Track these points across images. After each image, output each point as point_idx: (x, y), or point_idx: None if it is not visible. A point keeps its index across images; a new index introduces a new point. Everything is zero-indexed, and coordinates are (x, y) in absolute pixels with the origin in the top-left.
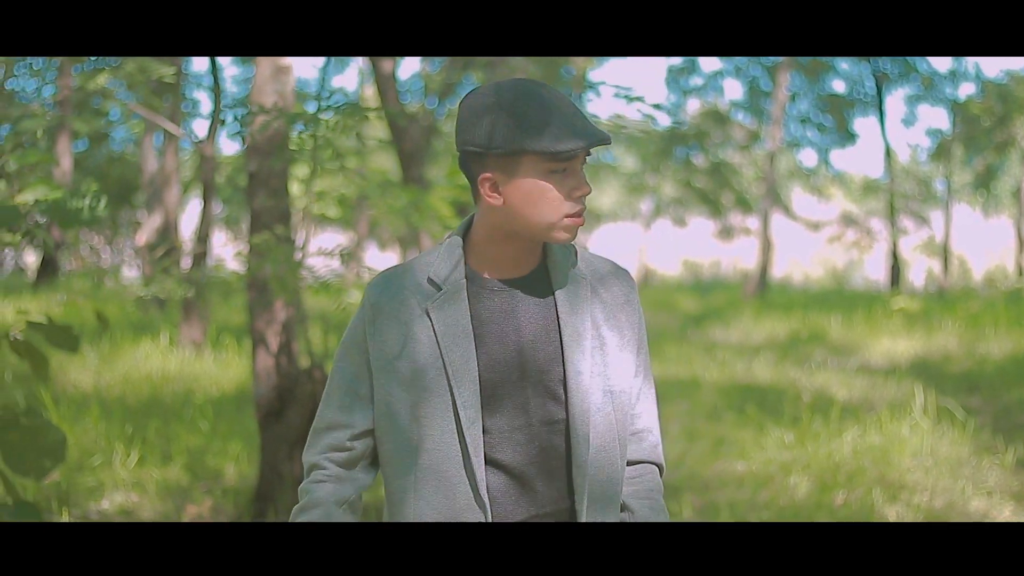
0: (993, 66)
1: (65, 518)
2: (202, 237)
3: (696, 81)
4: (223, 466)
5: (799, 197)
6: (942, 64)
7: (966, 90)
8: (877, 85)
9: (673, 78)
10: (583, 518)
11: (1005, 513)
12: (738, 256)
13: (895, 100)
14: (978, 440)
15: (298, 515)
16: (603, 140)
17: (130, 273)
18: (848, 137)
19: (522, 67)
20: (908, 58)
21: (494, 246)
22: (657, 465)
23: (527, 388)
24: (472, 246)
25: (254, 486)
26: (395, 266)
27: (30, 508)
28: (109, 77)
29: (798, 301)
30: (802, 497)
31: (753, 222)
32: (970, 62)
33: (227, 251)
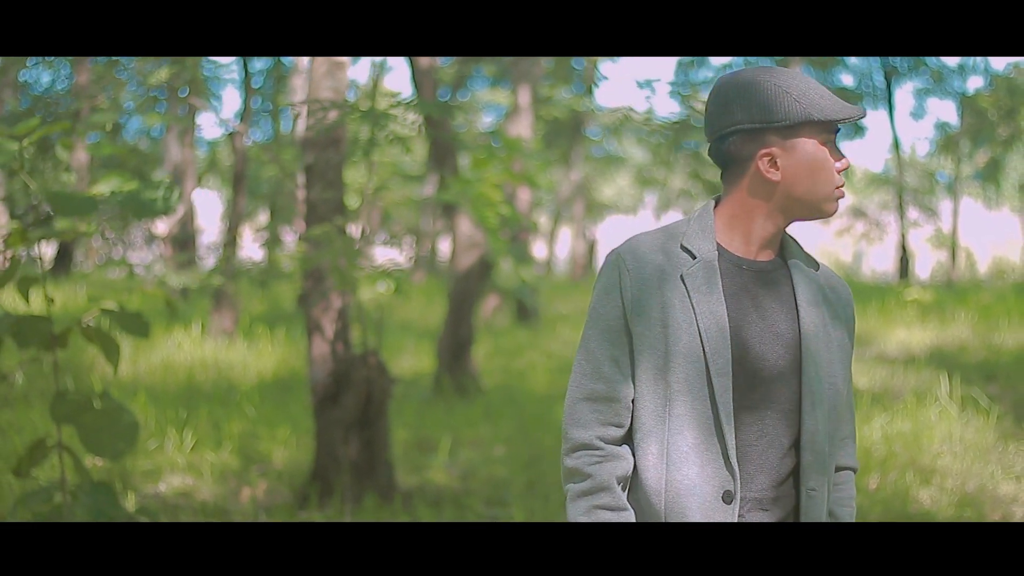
0: (1001, 60)
1: (130, 500)
2: (232, 228)
3: (706, 74)
4: (272, 450)
5: None
6: (951, 58)
7: (975, 83)
8: (886, 79)
9: (682, 71)
10: (804, 502)
11: None
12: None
13: (904, 93)
14: (1001, 427)
15: (583, 497)
16: (863, 113)
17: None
18: (857, 130)
19: (533, 58)
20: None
21: (748, 225)
22: (855, 470)
23: (763, 369)
24: (722, 223)
25: (308, 469)
26: (642, 233)
27: (106, 488)
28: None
29: None
30: None
31: None
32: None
33: (250, 242)
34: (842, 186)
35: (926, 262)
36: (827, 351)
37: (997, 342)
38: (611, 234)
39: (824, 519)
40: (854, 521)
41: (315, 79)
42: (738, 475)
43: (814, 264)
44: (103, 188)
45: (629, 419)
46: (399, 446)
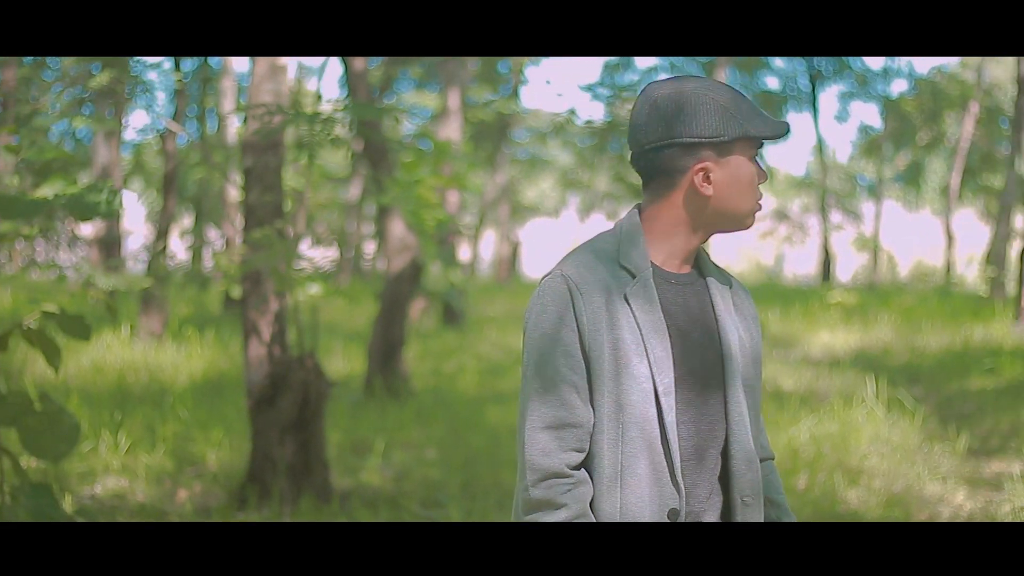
0: (925, 64)
1: (67, 502)
2: (162, 231)
3: (631, 77)
4: (205, 452)
5: None
6: (875, 62)
7: (898, 87)
8: (811, 82)
9: (608, 74)
10: (737, 512)
11: (959, 497)
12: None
13: (828, 97)
14: (927, 428)
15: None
16: (790, 128)
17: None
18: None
19: (461, 61)
20: (842, 57)
21: (672, 240)
22: (773, 458)
23: (696, 380)
24: (650, 238)
25: (243, 471)
26: (576, 254)
27: (46, 490)
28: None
29: None
30: None
31: None
32: (903, 60)
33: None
34: (760, 199)
35: (848, 265)
36: (744, 358)
37: (920, 344)
38: (535, 236)
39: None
40: (787, 506)
41: (255, 82)
42: (683, 491)
43: (725, 274)
44: (46, 191)
45: (589, 443)
46: (332, 448)
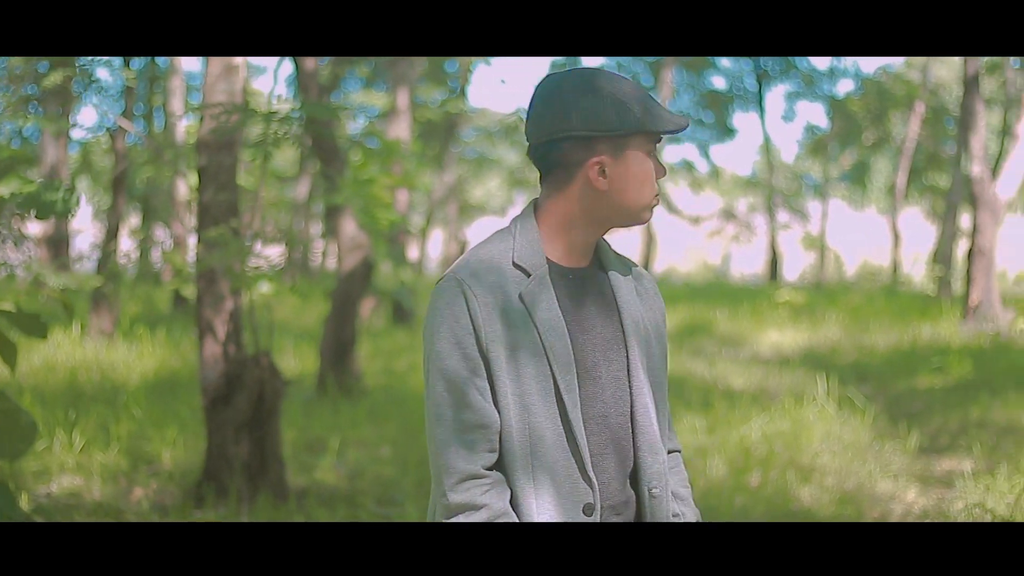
0: (871, 63)
1: (24, 501)
2: (112, 230)
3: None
4: (160, 451)
5: (680, 192)
6: (822, 61)
7: (845, 87)
8: (758, 82)
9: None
10: (646, 503)
11: (910, 495)
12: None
13: (775, 96)
14: (877, 427)
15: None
16: (688, 123)
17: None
18: (727, 132)
19: (410, 61)
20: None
21: (569, 234)
22: (680, 451)
23: (599, 376)
24: (544, 233)
25: (198, 469)
26: (472, 255)
27: (3, 488)
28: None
29: (682, 294)
30: (720, 479)
31: None
32: (849, 59)
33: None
34: (658, 194)
35: (794, 264)
36: (648, 348)
37: (868, 343)
38: (482, 235)
39: (669, 514)
40: (692, 499)
41: (209, 82)
42: (596, 486)
43: (627, 264)
44: (3, 189)
45: (498, 444)
46: (287, 446)
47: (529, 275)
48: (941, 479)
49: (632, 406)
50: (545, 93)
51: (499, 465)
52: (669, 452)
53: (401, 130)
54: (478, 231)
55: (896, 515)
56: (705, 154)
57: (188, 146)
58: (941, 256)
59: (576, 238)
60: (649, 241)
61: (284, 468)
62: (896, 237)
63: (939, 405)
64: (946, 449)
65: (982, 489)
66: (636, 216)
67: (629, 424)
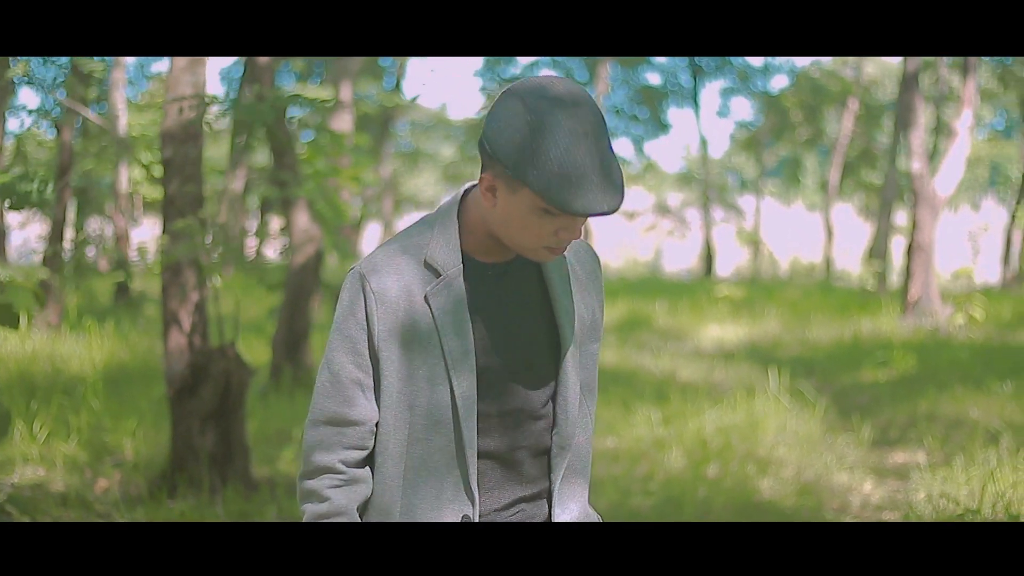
0: (805, 60)
1: None
2: (58, 223)
3: (514, 72)
4: (121, 442)
5: None
6: (756, 58)
7: (779, 83)
8: (693, 77)
9: (489, 68)
10: (555, 495)
11: (867, 487)
12: None
13: (710, 92)
14: (828, 420)
15: (319, 521)
16: (606, 212)
17: None
18: (661, 127)
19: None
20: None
21: (483, 229)
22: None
23: (519, 372)
24: (466, 227)
25: (163, 460)
26: (384, 248)
27: None
28: None
29: (619, 288)
30: (678, 471)
31: None
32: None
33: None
34: (556, 248)
35: (727, 259)
36: (581, 336)
37: (810, 338)
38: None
39: (572, 508)
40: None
41: (174, 74)
42: (477, 500)
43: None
44: None
45: (372, 442)
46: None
47: (439, 275)
48: (895, 471)
49: (555, 404)
50: (510, 92)
51: (373, 461)
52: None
53: (344, 123)
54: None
55: (854, 506)
56: (639, 150)
57: (131, 138)
58: (877, 252)
59: (489, 236)
60: (585, 235)
61: (249, 459)
62: (829, 233)
63: (886, 399)
64: (897, 442)
65: (940, 480)
66: (521, 251)
67: (549, 422)
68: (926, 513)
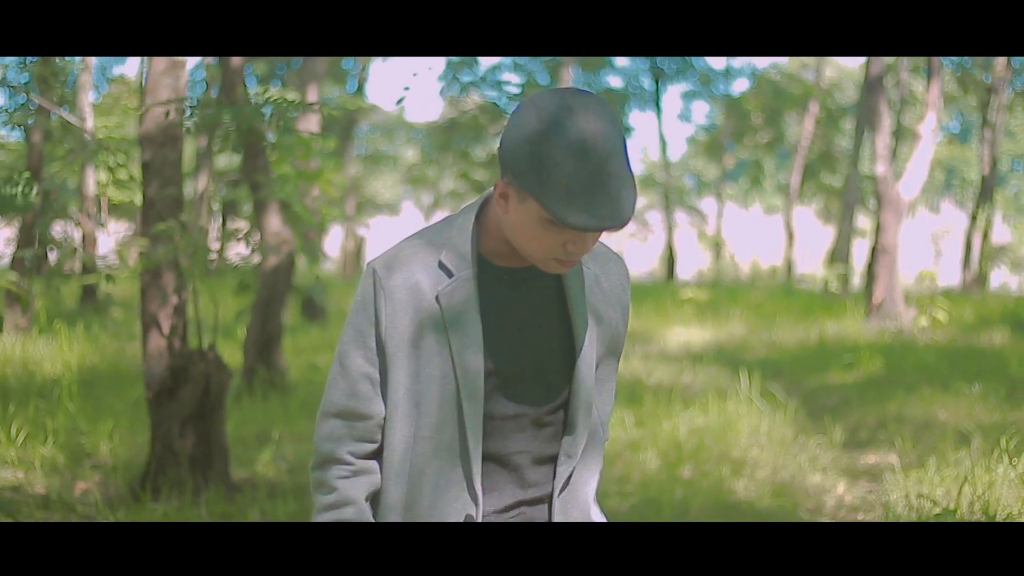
0: (766, 63)
1: None
2: (28, 225)
3: (478, 73)
4: (98, 445)
5: None
6: (717, 61)
7: (740, 86)
8: (654, 81)
9: (451, 71)
10: (557, 501)
11: (840, 488)
12: None
13: (672, 95)
14: (798, 421)
15: (327, 511)
16: (607, 228)
17: None
18: (624, 130)
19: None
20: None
21: (501, 234)
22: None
23: (528, 378)
24: (484, 230)
25: (142, 462)
26: (402, 245)
27: None
28: None
29: None
30: (654, 472)
31: None
32: (742, 60)
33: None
34: (565, 260)
35: (687, 262)
36: (603, 346)
37: (776, 340)
38: (380, 232)
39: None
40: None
41: (153, 77)
42: (480, 500)
43: (586, 257)
44: None
45: (381, 436)
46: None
47: (451, 276)
48: (867, 472)
49: (568, 411)
50: (527, 101)
51: (379, 457)
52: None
53: (312, 126)
54: (376, 228)
55: (829, 507)
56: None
57: (98, 141)
58: (839, 255)
59: (507, 242)
60: None
61: (229, 461)
62: (790, 236)
63: (855, 400)
64: (867, 443)
65: (914, 482)
66: (532, 260)
67: (558, 429)
68: (903, 513)
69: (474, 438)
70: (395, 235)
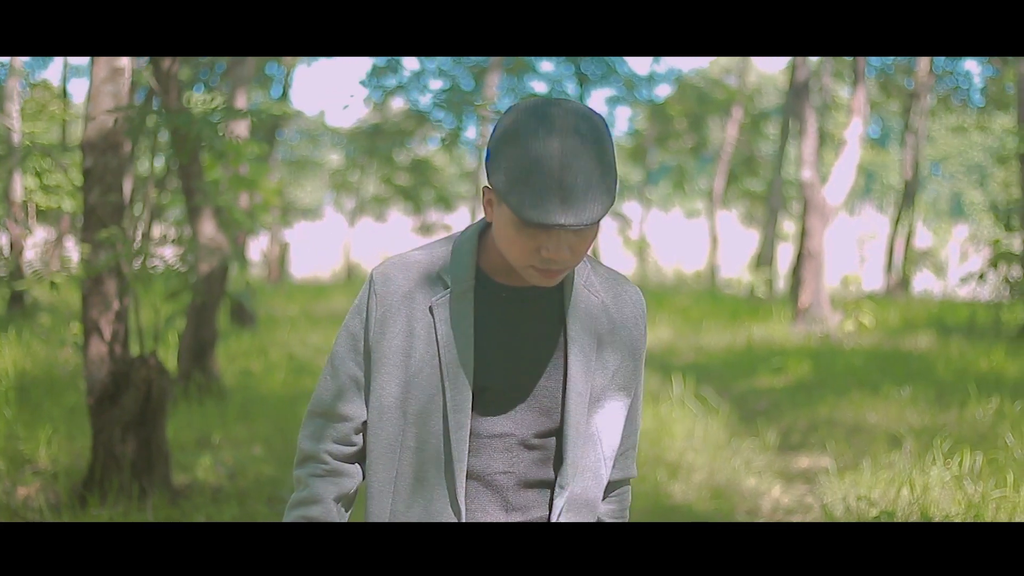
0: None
1: None
2: None
3: (401, 77)
4: (35, 451)
5: None
6: (641, 66)
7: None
8: (579, 85)
9: (375, 76)
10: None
11: (775, 491)
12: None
13: (596, 101)
14: (731, 425)
15: (296, 507)
16: (564, 225)
17: None
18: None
19: (246, 62)
20: (608, 60)
21: (499, 251)
22: (629, 482)
23: (519, 398)
24: (487, 245)
25: (82, 468)
26: (404, 255)
27: None
28: None
29: None
30: None
31: (454, 219)
32: (666, 65)
33: None
34: (543, 268)
35: (613, 266)
36: (600, 376)
37: (703, 344)
38: (303, 238)
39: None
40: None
41: (95, 85)
42: (463, 514)
43: (604, 284)
44: None
45: (362, 439)
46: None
47: (447, 287)
48: (801, 475)
49: (561, 438)
50: (512, 107)
51: (364, 461)
52: (618, 481)
53: (241, 130)
54: (300, 234)
55: (765, 510)
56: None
57: (26, 146)
58: (764, 259)
59: (504, 257)
60: None
61: (170, 467)
62: (714, 241)
63: (785, 404)
64: (800, 447)
65: (849, 484)
66: (516, 267)
67: (547, 454)
68: (841, 515)
69: (458, 452)
70: (323, 240)
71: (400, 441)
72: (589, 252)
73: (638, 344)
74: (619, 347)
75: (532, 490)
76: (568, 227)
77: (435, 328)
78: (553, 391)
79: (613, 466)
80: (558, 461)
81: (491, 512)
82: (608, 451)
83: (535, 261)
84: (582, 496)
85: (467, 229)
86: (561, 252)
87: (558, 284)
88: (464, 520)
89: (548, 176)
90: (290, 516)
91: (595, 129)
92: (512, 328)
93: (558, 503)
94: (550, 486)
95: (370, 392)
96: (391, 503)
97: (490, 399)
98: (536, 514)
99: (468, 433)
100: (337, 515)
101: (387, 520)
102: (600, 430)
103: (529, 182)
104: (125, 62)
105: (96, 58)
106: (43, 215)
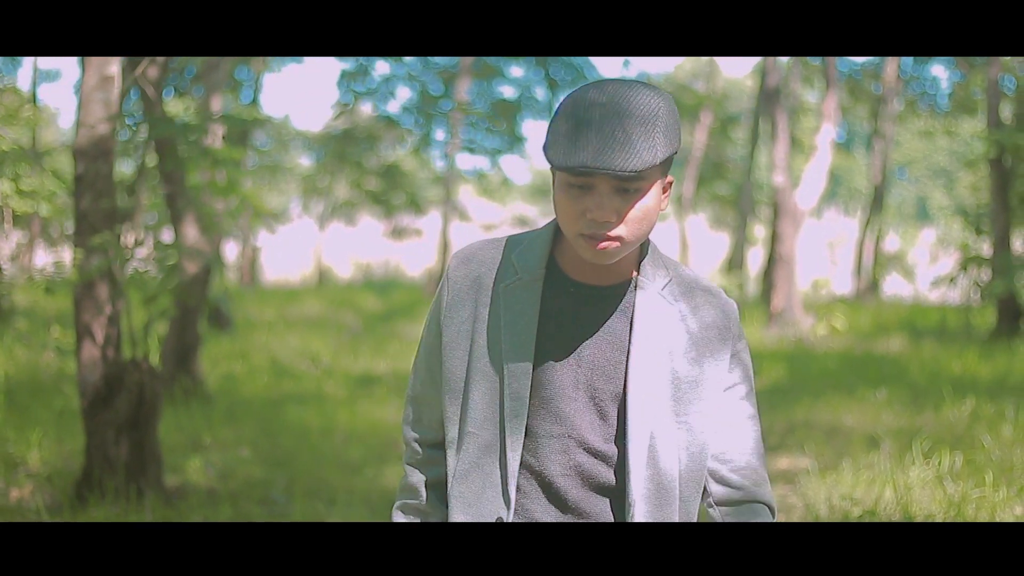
0: (656, 70)
1: None
2: None
3: (369, 84)
4: (26, 454)
5: (472, 199)
6: (611, 71)
7: None
8: (549, 90)
9: (345, 81)
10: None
11: None
12: (409, 256)
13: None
14: None
15: (399, 494)
16: (602, 168)
17: None
18: (517, 140)
19: (220, 66)
20: (578, 65)
21: (570, 244)
22: (765, 504)
23: (575, 399)
24: (563, 238)
25: (75, 470)
26: (483, 240)
27: None
28: None
29: None
30: None
31: (425, 223)
32: (636, 69)
33: None
34: (590, 235)
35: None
36: (670, 387)
37: None
38: (274, 242)
39: None
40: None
41: (86, 92)
42: (513, 505)
43: (676, 291)
44: None
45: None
46: None
47: (517, 274)
48: (781, 476)
49: (624, 447)
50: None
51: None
52: (739, 502)
53: (216, 137)
54: (271, 238)
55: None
56: (495, 163)
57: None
58: (735, 263)
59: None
60: (444, 248)
61: (162, 469)
62: (684, 245)
63: (762, 406)
64: (778, 448)
65: (830, 484)
66: (570, 240)
67: (607, 461)
68: (825, 515)
69: (513, 441)
70: (294, 244)
71: (463, 427)
72: (677, 259)
73: (722, 354)
74: (698, 359)
75: (593, 495)
76: (602, 170)
77: (501, 313)
78: (612, 396)
79: (727, 484)
80: (622, 469)
81: (546, 509)
82: (689, 470)
83: (583, 227)
84: (657, 514)
85: (552, 220)
86: (605, 212)
87: (631, 287)
88: (512, 511)
89: (588, 125)
90: (396, 501)
91: (650, 93)
92: (577, 325)
93: (638, 515)
94: (612, 494)
95: (442, 376)
96: (451, 486)
97: (546, 395)
98: (595, 520)
99: (524, 424)
100: (424, 504)
101: (463, 506)
102: (681, 446)
103: (569, 134)
104: (115, 69)
105: (87, 66)
106: (19, 220)
